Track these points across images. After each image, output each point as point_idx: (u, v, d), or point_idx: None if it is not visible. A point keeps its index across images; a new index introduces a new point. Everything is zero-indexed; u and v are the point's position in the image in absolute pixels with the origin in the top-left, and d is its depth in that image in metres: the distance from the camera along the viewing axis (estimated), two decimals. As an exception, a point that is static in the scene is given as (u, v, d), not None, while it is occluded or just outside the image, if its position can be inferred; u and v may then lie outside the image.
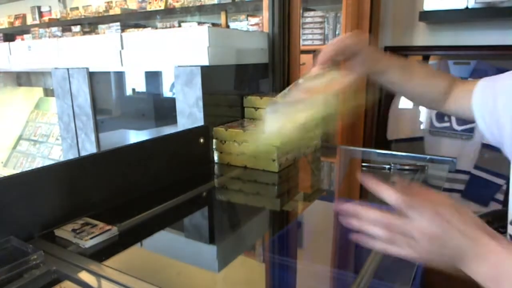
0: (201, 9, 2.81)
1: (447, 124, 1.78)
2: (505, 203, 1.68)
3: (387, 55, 0.79)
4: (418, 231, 0.49)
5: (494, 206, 1.71)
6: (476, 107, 0.73)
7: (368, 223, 0.52)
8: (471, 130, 1.72)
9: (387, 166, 1.09)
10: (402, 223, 0.50)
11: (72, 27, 3.66)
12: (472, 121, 0.76)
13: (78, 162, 0.83)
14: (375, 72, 0.78)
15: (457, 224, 0.49)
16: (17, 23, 4.19)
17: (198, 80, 1.16)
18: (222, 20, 2.69)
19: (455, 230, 0.48)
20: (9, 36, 4.22)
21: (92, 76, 1.53)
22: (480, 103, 0.72)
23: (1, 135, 2.40)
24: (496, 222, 0.98)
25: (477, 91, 0.73)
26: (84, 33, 3.59)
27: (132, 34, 1.39)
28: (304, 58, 2.17)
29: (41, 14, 4.01)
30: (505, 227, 0.96)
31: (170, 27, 3.05)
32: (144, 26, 3.44)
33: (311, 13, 2.21)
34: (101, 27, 3.47)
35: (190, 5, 2.85)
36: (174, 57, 1.24)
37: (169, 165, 1.06)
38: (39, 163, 2.19)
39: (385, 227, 0.51)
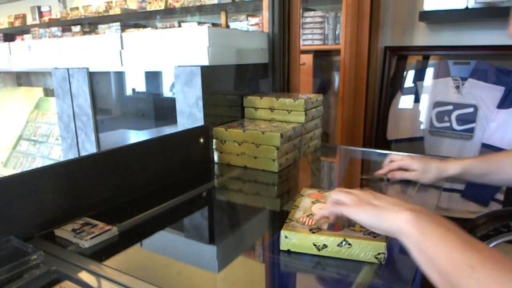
0: (201, 9, 2.81)
1: (447, 124, 1.78)
2: (505, 203, 1.68)
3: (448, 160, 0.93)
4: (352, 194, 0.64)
5: (494, 206, 1.71)
6: None
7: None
8: (471, 130, 1.72)
9: (386, 177, 1.06)
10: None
11: (72, 27, 3.67)
12: None
13: (78, 162, 0.83)
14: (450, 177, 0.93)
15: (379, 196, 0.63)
16: (17, 23, 4.19)
17: (198, 80, 1.16)
18: (222, 20, 2.69)
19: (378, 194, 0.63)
20: (9, 36, 4.22)
21: (92, 76, 1.53)
22: None
23: (1, 135, 2.40)
24: (497, 221, 0.98)
25: None
26: (84, 33, 3.60)
27: (132, 34, 1.39)
28: (304, 58, 2.17)
29: (41, 14, 4.02)
30: (506, 227, 0.96)
31: (170, 27, 3.05)
32: (144, 26, 3.44)
33: (311, 13, 2.21)
34: (101, 27, 3.47)
35: (190, 5, 2.86)
36: (174, 57, 1.24)
37: (169, 165, 1.06)
38: (39, 163, 2.18)
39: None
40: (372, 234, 0.64)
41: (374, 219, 0.57)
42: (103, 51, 1.45)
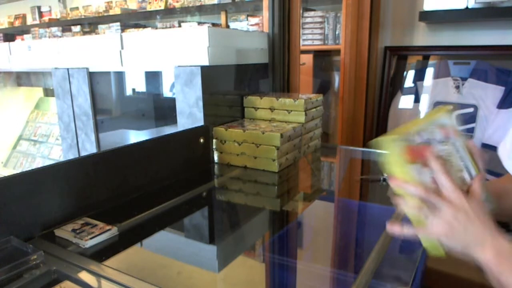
0: (201, 9, 2.81)
1: (447, 124, 1.78)
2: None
3: None
4: (447, 201, 0.55)
5: (494, 206, 1.71)
6: None
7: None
8: (471, 130, 1.72)
9: (382, 177, 1.05)
10: (434, 191, 0.56)
11: (72, 27, 3.67)
12: None
13: (78, 162, 0.83)
14: None
15: (478, 212, 0.56)
16: (17, 23, 4.19)
17: (198, 80, 1.16)
18: (222, 20, 2.69)
19: (475, 216, 0.55)
20: (9, 36, 4.22)
21: (92, 76, 1.53)
22: None
23: (1, 135, 2.40)
24: (497, 221, 0.98)
25: None
26: (84, 33, 3.59)
27: (132, 34, 1.39)
28: (304, 58, 2.17)
29: (41, 14, 4.01)
30: (505, 227, 0.96)
31: (170, 27, 3.05)
32: (144, 26, 3.44)
33: (311, 13, 2.21)
34: (101, 27, 3.47)
35: (190, 5, 2.85)
36: (174, 57, 1.24)
37: (169, 165, 1.05)
38: (39, 163, 2.18)
39: (421, 193, 0.56)
40: None
41: (456, 246, 0.56)
42: (103, 51, 1.45)
